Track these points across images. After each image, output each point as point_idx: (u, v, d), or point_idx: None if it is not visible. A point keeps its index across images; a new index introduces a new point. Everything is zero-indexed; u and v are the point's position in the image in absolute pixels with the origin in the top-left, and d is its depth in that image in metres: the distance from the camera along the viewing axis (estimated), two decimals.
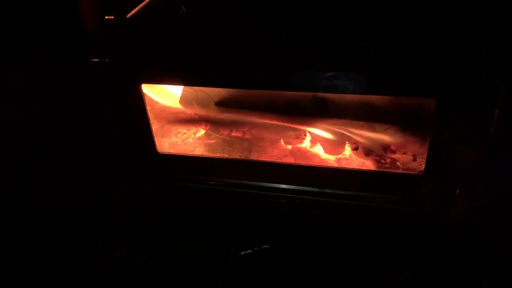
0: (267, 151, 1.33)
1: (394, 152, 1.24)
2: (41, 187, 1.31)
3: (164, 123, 1.36)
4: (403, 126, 1.18)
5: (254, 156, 1.31)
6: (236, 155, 1.32)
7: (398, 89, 1.02)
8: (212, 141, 1.38)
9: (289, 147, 1.32)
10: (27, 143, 1.28)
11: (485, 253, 1.12)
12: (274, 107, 1.26)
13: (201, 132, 1.41)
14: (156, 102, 1.31)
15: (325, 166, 1.25)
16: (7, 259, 1.27)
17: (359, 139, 1.25)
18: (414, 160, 1.21)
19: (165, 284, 1.18)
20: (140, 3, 1.17)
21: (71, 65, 1.17)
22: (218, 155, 1.33)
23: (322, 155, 1.29)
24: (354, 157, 1.27)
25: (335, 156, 1.28)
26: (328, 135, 1.26)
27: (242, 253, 1.22)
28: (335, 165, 1.27)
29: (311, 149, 1.30)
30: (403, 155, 1.23)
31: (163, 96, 1.33)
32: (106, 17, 1.08)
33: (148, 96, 1.22)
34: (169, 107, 1.36)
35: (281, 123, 1.29)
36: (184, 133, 1.41)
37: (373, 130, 1.22)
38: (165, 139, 1.37)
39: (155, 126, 1.25)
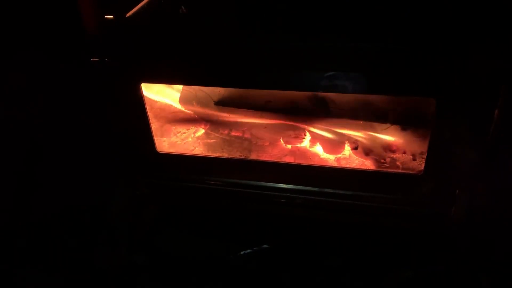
0: (266, 150, 1.33)
1: (394, 151, 1.24)
2: (41, 187, 1.31)
3: (163, 123, 1.36)
4: (403, 126, 1.18)
5: (253, 156, 1.31)
6: (235, 154, 1.32)
7: (398, 89, 1.02)
8: (212, 140, 1.38)
9: (289, 146, 1.32)
10: (27, 143, 1.28)
11: (485, 253, 1.12)
12: (273, 106, 1.26)
13: (201, 131, 1.41)
14: (156, 102, 1.31)
15: (324, 165, 1.25)
16: (7, 259, 1.27)
17: (359, 139, 1.25)
18: (414, 159, 1.21)
19: (165, 284, 1.18)
20: (139, 3, 1.16)
21: (71, 65, 1.17)
22: (217, 154, 1.33)
23: (322, 155, 1.29)
24: (354, 156, 1.27)
25: (335, 156, 1.28)
26: (327, 135, 1.26)
27: (242, 252, 1.22)
28: (335, 164, 1.26)
29: (310, 149, 1.30)
30: (403, 154, 1.23)
31: (163, 95, 1.33)
32: (105, 16, 1.08)
33: (148, 96, 1.22)
34: (169, 107, 1.36)
35: (281, 123, 1.29)
36: (184, 133, 1.41)
37: (373, 129, 1.22)
38: (164, 139, 1.37)
39: (154, 125, 1.25)
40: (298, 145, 1.31)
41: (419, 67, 0.95)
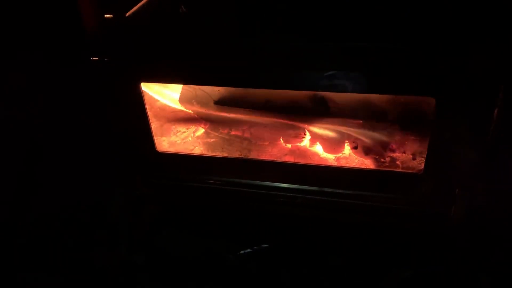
0: (266, 150, 1.33)
1: (393, 151, 1.24)
2: (41, 187, 1.31)
3: (163, 122, 1.36)
4: (403, 125, 1.18)
5: (253, 155, 1.31)
6: (235, 154, 1.32)
7: (398, 88, 1.02)
8: (212, 140, 1.38)
9: (289, 146, 1.32)
10: (27, 143, 1.28)
11: (485, 253, 1.12)
12: (273, 106, 1.26)
13: (201, 131, 1.41)
14: (156, 101, 1.31)
15: (324, 165, 1.25)
16: (7, 259, 1.27)
17: (359, 138, 1.25)
18: (414, 159, 1.21)
19: (165, 284, 1.18)
20: (139, 2, 1.16)
21: (71, 65, 1.17)
22: (217, 154, 1.33)
23: (322, 154, 1.29)
24: (354, 156, 1.27)
25: (335, 155, 1.28)
26: (327, 134, 1.26)
27: (242, 252, 1.22)
28: (335, 164, 1.26)
29: (310, 148, 1.30)
30: (403, 154, 1.23)
31: (162, 95, 1.33)
32: (105, 16, 1.08)
33: (148, 95, 1.22)
34: (169, 106, 1.36)
35: (281, 122, 1.29)
36: (184, 132, 1.41)
37: (373, 129, 1.22)
38: (164, 138, 1.37)
39: (154, 125, 1.25)
40: (298, 144, 1.31)
41: (419, 67, 0.94)
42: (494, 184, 1.03)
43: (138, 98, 1.15)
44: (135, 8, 1.14)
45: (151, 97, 1.27)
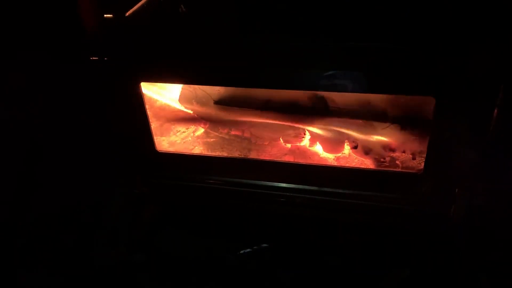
0: (266, 149, 1.33)
1: (393, 150, 1.24)
2: (41, 187, 1.31)
3: (163, 122, 1.36)
4: (403, 125, 1.18)
5: (253, 155, 1.31)
6: (235, 153, 1.32)
7: (398, 88, 1.02)
8: (211, 139, 1.38)
9: (288, 145, 1.32)
10: (27, 143, 1.28)
11: (485, 253, 1.12)
12: (273, 105, 1.26)
13: (200, 130, 1.41)
14: (155, 101, 1.31)
15: (324, 164, 1.25)
16: (7, 259, 1.27)
17: (359, 138, 1.25)
18: (414, 158, 1.21)
19: (165, 284, 1.18)
20: (139, 2, 1.16)
21: (71, 65, 1.17)
22: (217, 153, 1.33)
23: (322, 154, 1.29)
24: (353, 155, 1.27)
25: (335, 155, 1.28)
26: (327, 134, 1.26)
27: (241, 252, 1.22)
28: (334, 163, 1.27)
29: (310, 148, 1.30)
30: (403, 153, 1.23)
31: (162, 94, 1.33)
32: (105, 15, 1.08)
33: (147, 95, 1.22)
34: (168, 106, 1.36)
35: (280, 122, 1.29)
36: (183, 132, 1.41)
37: (373, 128, 1.22)
38: (164, 138, 1.37)
39: (154, 124, 1.25)
40: (298, 144, 1.31)
41: (419, 66, 0.94)
42: (494, 184, 1.03)
43: (138, 98, 1.15)
44: (135, 8, 1.14)
45: (151, 97, 1.27)
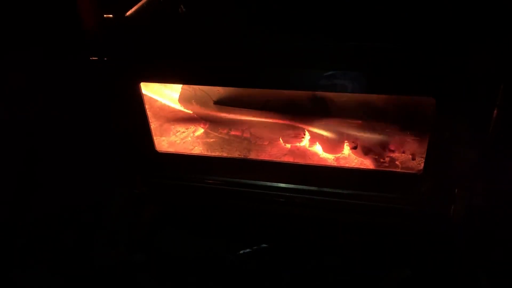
0: (266, 150, 1.33)
1: (393, 151, 1.24)
2: (41, 187, 1.31)
3: (162, 122, 1.36)
4: (402, 125, 1.18)
5: (253, 155, 1.31)
6: (235, 154, 1.32)
7: (398, 88, 1.01)
8: (211, 140, 1.38)
9: (288, 146, 1.32)
10: (27, 143, 1.28)
11: (485, 252, 1.12)
12: (273, 106, 1.26)
13: (200, 130, 1.41)
14: (155, 101, 1.31)
15: (324, 165, 1.25)
16: (7, 259, 1.27)
17: (358, 138, 1.25)
18: (413, 159, 1.21)
19: (165, 284, 1.18)
20: (139, 2, 1.16)
21: (71, 65, 1.17)
22: (217, 154, 1.33)
23: (321, 154, 1.29)
24: (353, 156, 1.27)
25: (334, 155, 1.28)
26: (327, 134, 1.26)
27: (241, 252, 1.22)
28: (334, 164, 1.27)
29: (310, 148, 1.30)
30: (402, 154, 1.23)
31: (162, 94, 1.33)
32: (105, 15, 1.08)
33: (147, 95, 1.22)
34: (168, 106, 1.36)
35: (280, 122, 1.29)
36: (183, 132, 1.41)
37: (372, 129, 1.22)
38: (164, 138, 1.37)
39: (153, 124, 1.25)
40: (297, 144, 1.31)
41: (419, 67, 0.94)
42: (493, 184, 1.03)
43: (138, 98, 1.15)
44: (135, 8, 1.14)
45: (150, 97, 1.27)
